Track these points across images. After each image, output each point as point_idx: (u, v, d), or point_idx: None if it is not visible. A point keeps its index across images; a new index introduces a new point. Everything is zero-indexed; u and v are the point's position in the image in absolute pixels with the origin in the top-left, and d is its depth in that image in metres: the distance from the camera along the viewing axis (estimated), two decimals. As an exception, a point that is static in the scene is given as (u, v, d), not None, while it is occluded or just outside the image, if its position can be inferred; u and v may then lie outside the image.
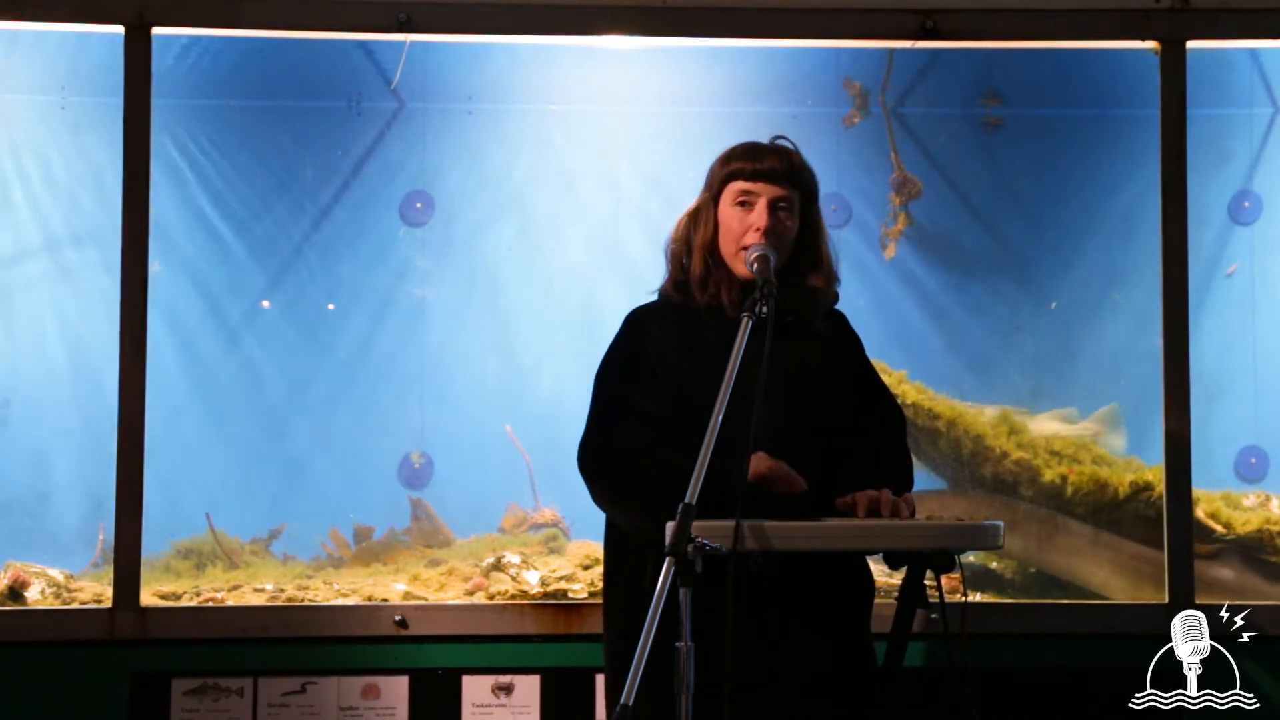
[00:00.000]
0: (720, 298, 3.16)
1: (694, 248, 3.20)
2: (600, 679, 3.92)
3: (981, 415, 4.48)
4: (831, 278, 3.25)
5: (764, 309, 2.92)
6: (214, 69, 4.42)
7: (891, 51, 4.43)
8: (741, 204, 3.16)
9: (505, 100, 4.54)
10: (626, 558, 3.11)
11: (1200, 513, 4.27)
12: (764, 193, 3.15)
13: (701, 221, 3.21)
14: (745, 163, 3.18)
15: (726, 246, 3.17)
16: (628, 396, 3.13)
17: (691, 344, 3.15)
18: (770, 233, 3.12)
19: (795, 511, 2.95)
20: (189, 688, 3.97)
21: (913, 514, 3.04)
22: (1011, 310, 4.60)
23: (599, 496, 3.14)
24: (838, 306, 3.33)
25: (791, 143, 3.24)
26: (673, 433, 3.06)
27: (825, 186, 4.43)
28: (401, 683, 4.00)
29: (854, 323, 3.34)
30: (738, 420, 2.82)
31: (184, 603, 4.14)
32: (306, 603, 4.12)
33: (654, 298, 3.30)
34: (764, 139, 3.25)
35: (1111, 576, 4.35)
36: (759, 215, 3.13)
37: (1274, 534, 4.37)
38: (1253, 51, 4.52)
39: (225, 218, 4.50)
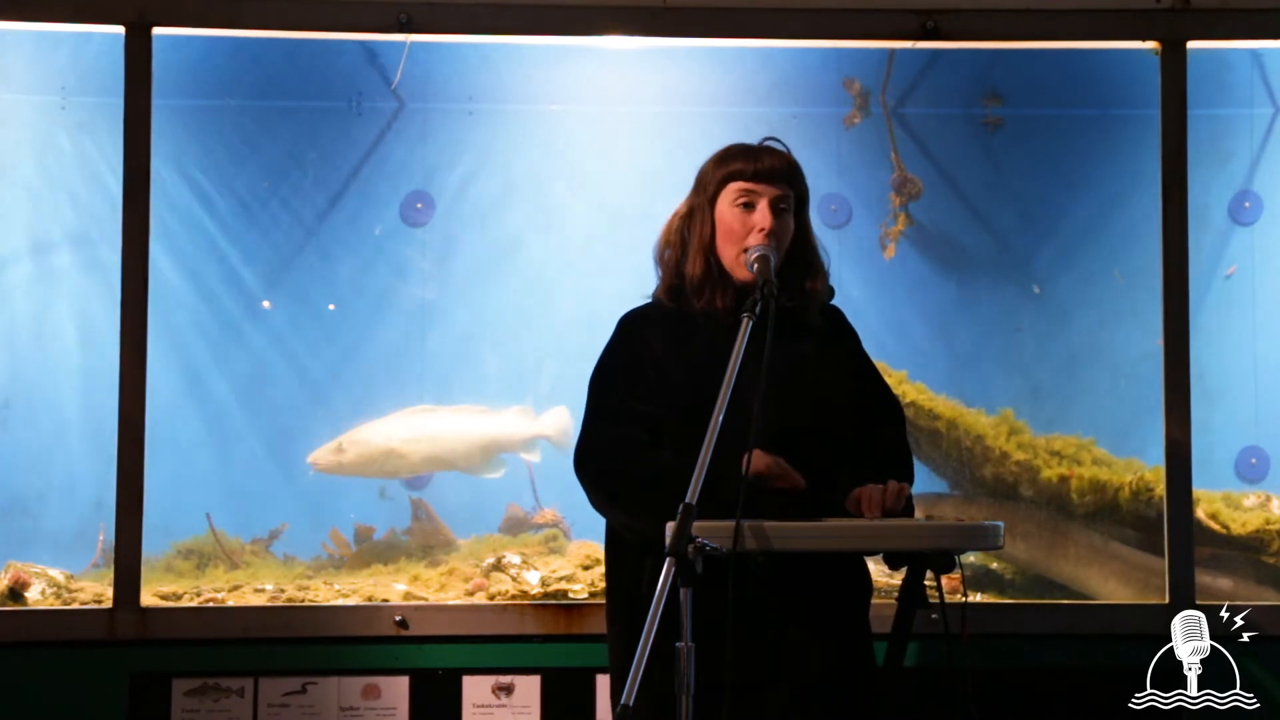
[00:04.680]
0: (715, 302, 3.15)
1: (691, 250, 3.18)
2: (601, 679, 3.93)
3: (982, 416, 4.48)
4: (825, 277, 3.25)
5: (763, 309, 2.92)
6: (214, 69, 4.43)
7: (892, 51, 4.43)
8: (743, 205, 3.14)
9: (505, 100, 4.54)
10: (627, 560, 3.11)
11: (1200, 513, 4.27)
12: (765, 193, 3.13)
13: (697, 223, 3.18)
14: (744, 163, 3.16)
15: (726, 249, 3.15)
16: (624, 400, 3.13)
17: (684, 348, 3.14)
18: (772, 234, 3.12)
19: (795, 511, 2.95)
20: (189, 688, 3.97)
21: (909, 505, 3.04)
22: (1012, 310, 4.60)
23: (597, 501, 3.13)
24: (833, 303, 3.32)
25: (783, 144, 3.23)
26: (668, 436, 3.07)
27: (825, 186, 4.50)
28: (402, 683, 4.00)
29: (854, 323, 3.34)
30: (736, 421, 2.82)
31: (184, 603, 4.14)
32: (307, 603, 4.12)
33: (648, 300, 3.29)
34: (763, 138, 3.24)
35: (1114, 586, 4.35)
36: (762, 215, 3.12)
37: (1274, 534, 4.37)
38: (1253, 51, 4.52)
39: (226, 218, 4.50)
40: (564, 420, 4.47)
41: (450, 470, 4.52)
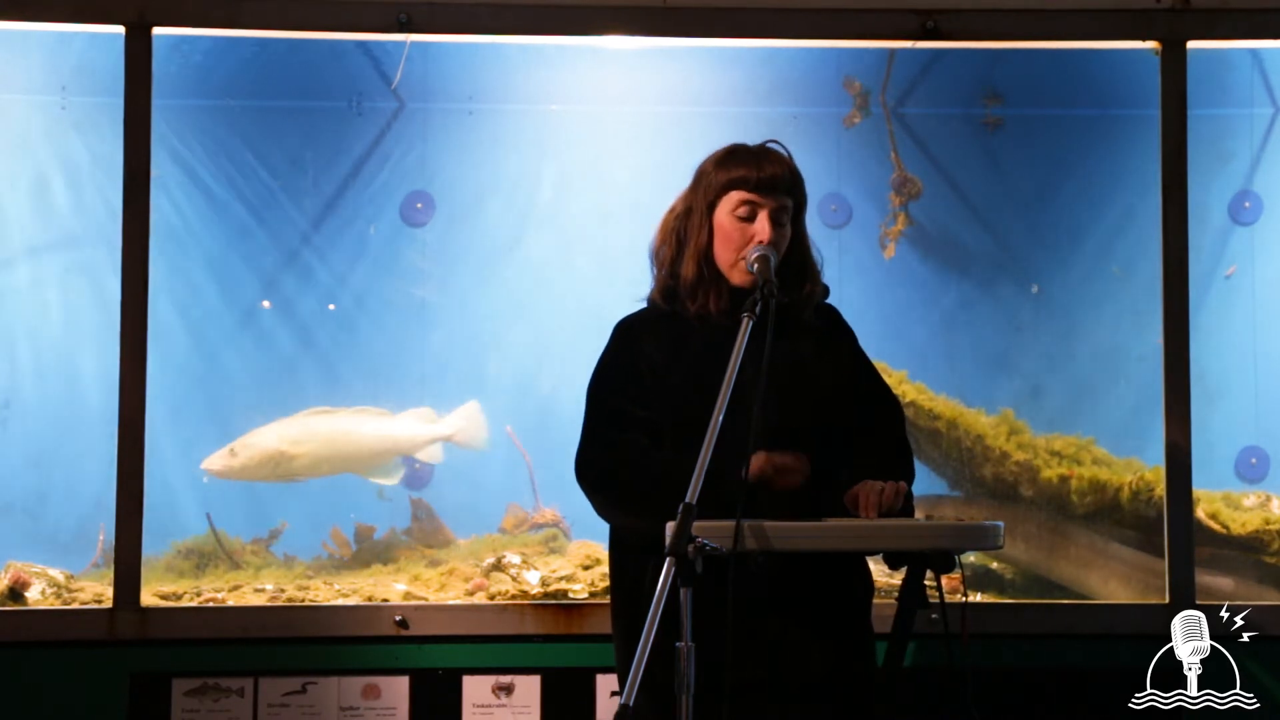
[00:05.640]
0: (709, 306, 3.14)
1: (686, 252, 3.17)
2: (601, 679, 3.93)
3: (982, 416, 4.48)
4: (818, 278, 3.24)
5: (762, 309, 2.92)
6: (214, 69, 4.42)
7: (892, 51, 4.43)
8: (743, 215, 3.13)
9: (505, 100, 4.54)
10: (629, 560, 3.11)
11: (1200, 513, 4.27)
12: (766, 204, 3.11)
13: (695, 225, 3.16)
14: (749, 171, 3.13)
15: (724, 255, 3.14)
16: (622, 405, 3.12)
17: (680, 352, 3.14)
18: (771, 244, 3.10)
19: (795, 510, 2.96)
20: (189, 688, 3.97)
21: (908, 504, 3.04)
22: (1011, 310, 4.60)
23: (600, 506, 3.14)
24: (832, 302, 3.32)
25: (784, 147, 3.22)
26: (668, 440, 3.06)
27: (825, 186, 4.50)
28: (402, 683, 4.00)
29: (854, 323, 3.34)
30: (736, 421, 2.81)
31: (184, 603, 4.14)
32: (307, 603, 4.12)
33: (643, 305, 3.28)
34: (764, 139, 3.22)
35: (1114, 587, 4.35)
36: (762, 227, 3.10)
37: (1274, 534, 4.37)
38: (1253, 51, 4.52)
39: (225, 218, 4.50)
40: (469, 419, 4.45)
41: (346, 474, 4.49)
